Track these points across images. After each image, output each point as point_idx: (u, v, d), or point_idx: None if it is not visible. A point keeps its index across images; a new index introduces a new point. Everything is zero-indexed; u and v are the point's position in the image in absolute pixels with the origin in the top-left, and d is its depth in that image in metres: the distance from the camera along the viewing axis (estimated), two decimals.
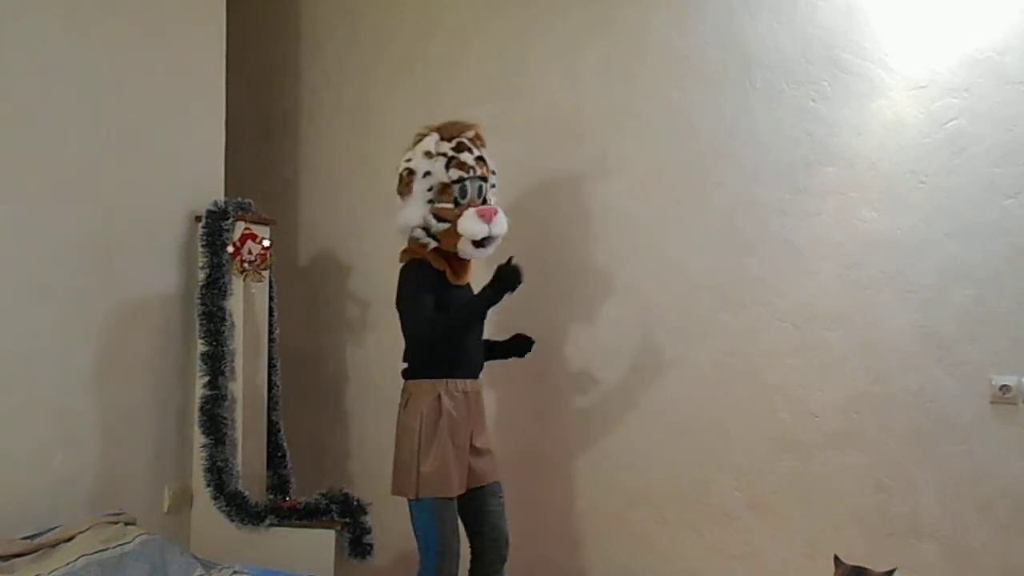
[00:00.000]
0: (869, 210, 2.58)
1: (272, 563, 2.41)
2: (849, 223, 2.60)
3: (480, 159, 2.42)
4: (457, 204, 2.36)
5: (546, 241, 3.02)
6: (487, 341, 2.62)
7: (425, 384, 2.41)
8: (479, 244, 2.36)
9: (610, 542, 2.91)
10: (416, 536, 2.40)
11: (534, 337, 2.64)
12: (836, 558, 2.07)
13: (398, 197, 2.44)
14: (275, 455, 2.95)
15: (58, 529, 2.25)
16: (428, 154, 2.37)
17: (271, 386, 2.97)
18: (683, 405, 2.81)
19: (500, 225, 2.37)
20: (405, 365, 2.48)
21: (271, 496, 2.86)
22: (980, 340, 2.44)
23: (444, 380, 2.40)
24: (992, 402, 2.42)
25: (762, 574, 2.69)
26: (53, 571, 2.06)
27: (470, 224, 2.32)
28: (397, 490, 2.42)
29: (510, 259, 2.36)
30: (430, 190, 2.37)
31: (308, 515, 2.68)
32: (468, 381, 2.46)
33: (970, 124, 2.45)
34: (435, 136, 2.40)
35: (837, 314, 2.61)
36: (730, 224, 2.75)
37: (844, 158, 2.61)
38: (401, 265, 2.46)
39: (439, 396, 2.38)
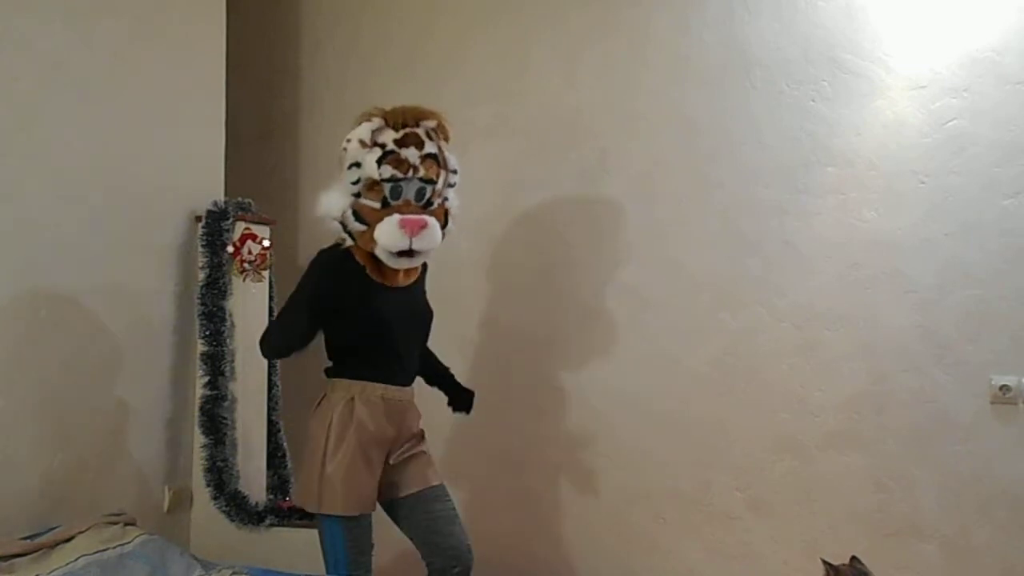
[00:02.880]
0: (869, 210, 2.58)
1: (272, 563, 2.41)
2: (849, 223, 2.60)
3: (430, 157, 2.08)
4: (386, 205, 2.05)
5: (546, 241, 3.02)
6: (442, 370, 2.44)
7: (340, 384, 2.16)
8: (402, 253, 2.04)
9: (610, 542, 2.91)
10: (323, 552, 2.17)
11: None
12: (824, 562, 2.04)
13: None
14: (275, 455, 2.94)
15: (58, 529, 2.25)
16: (362, 143, 2.06)
17: (271, 386, 2.96)
18: (683, 405, 2.81)
19: (426, 240, 2.03)
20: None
21: (271, 496, 2.86)
22: (980, 340, 2.44)
23: (361, 383, 2.14)
24: (992, 402, 2.42)
25: (762, 574, 2.69)
26: (53, 571, 2.06)
27: (387, 234, 2.02)
28: (301, 501, 2.21)
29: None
30: (356, 183, 2.08)
31: (308, 515, 2.67)
32: (393, 388, 2.17)
33: (970, 124, 2.45)
34: (377, 122, 2.08)
35: (837, 314, 2.61)
36: (730, 224, 2.75)
37: (844, 158, 2.61)
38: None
39: (352, 400, 2.13)
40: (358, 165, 2.07)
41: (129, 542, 2.25)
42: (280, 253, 3.10)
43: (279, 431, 2.97)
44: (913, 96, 2.52)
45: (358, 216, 2.08)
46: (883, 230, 2.56)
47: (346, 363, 2.18)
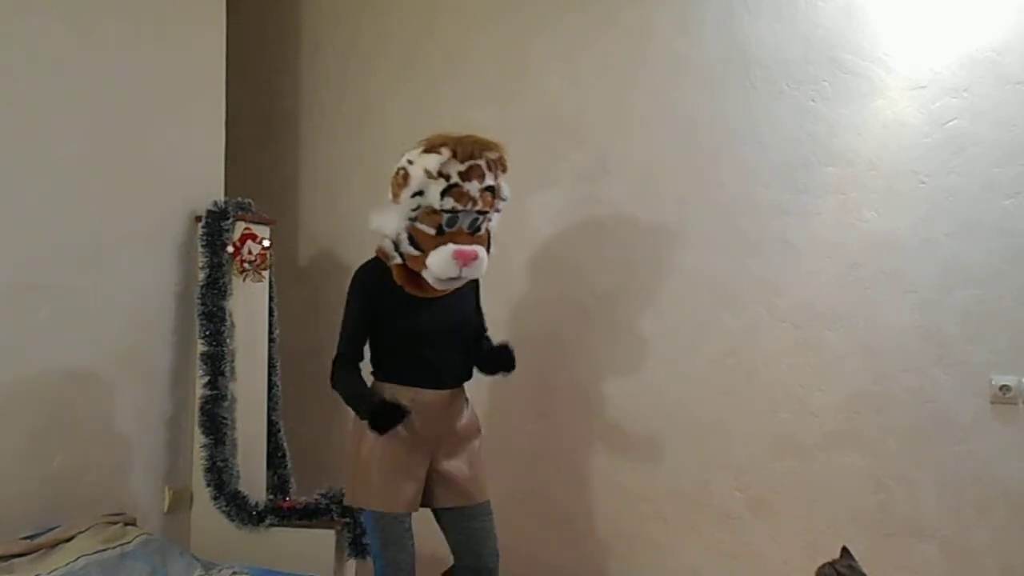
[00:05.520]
0: (869, 210, 2.58)
1: (272, 563, 2.41)
2: (849, 223, 2.60)
3: (489, 190, 2.12)
4: (440, 232, 2.10)
5: (546, 242, 3.02)
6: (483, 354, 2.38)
7: (378, 387, 2.26)
8: (449, 279, 2.13)
9: (610, 542, 2.91)
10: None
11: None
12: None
13: (390, 192, 2.19)
14: (275, 455, 2.95)
15: (58, 529, 2.25)
16: (428, 173, 2.08)
17: (271, 386, 2.97)
18: (683, 405, 2.81)
19: (475, 270, 2.13)
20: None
21: (271, 496, 2.86)
22: (980, 340, 2.44)
23: (395, 386, 2.23)
24: (992, 402, 2.42)
25: (762, 574, 2.69)
26: (53, 571, 2.06)
27: (440, 264, 2.09)
28: (348, 498, 2.34)
29: (399, 407, 2.13)
30: (416, 209, 2.11)
31: (308, 515, 2.68)
32: (427, 391, 2.23)
33: (970, 124, 2.45)
34: (446, 154, 2.07)
35: (837, 314, 2.61)
36: (730, 224, 2.75)
37: (844, 158, 2.61)
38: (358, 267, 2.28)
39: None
40: (421, 194, 2.10)
41: (129, 542, 2.26)
42: (280, 253, 3.11)
43: (279, 431, 2.97)
44: (913, 96, 2.52)
45: (413, 240, 2.14)
46: (883, 230, 2.56)
47: (383, 367, 2.28)
